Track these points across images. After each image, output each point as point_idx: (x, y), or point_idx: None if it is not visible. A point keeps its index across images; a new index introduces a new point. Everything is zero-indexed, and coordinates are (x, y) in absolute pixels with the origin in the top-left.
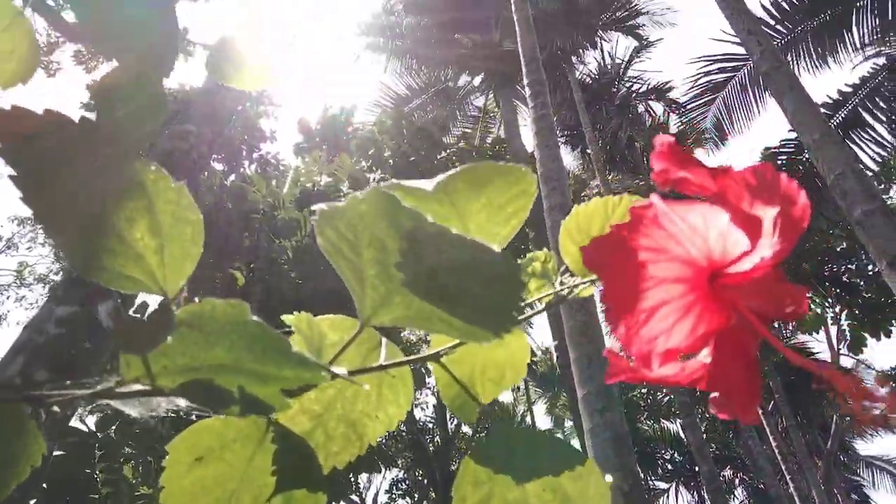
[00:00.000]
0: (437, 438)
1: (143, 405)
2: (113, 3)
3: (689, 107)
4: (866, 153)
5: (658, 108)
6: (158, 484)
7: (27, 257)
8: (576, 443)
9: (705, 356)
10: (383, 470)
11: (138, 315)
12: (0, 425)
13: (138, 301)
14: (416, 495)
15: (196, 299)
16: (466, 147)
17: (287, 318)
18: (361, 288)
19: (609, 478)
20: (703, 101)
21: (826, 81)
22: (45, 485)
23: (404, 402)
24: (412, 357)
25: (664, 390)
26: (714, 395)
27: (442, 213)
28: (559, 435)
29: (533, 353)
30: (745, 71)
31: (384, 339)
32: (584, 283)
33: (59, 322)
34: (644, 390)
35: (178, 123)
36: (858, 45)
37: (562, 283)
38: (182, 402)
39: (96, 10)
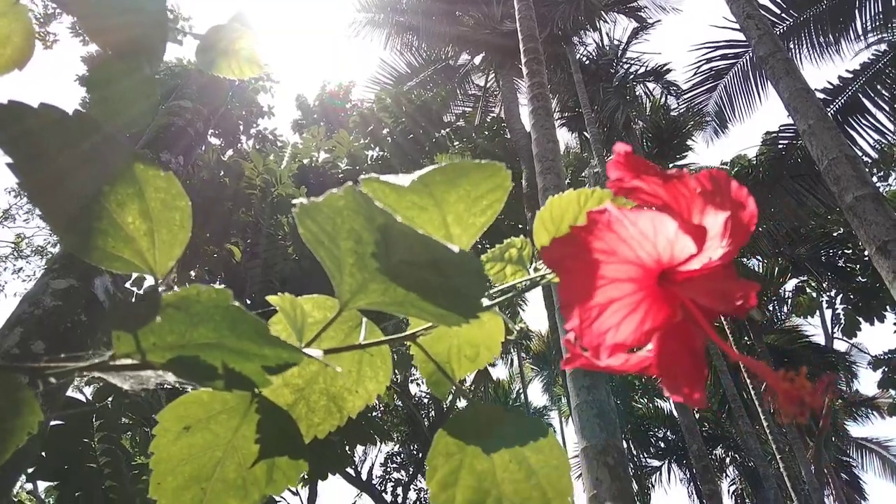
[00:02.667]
0: (431, 413)
1: (134, 379)
2: None
3: (690, 94)
4: (865, 140)
5: (656, 89)
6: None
7: (24, 229)
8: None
9: (651, 348)
10: (379, 443)
11: (134, 287)
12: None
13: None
14: (412, 469)
15: (193, 273)
16: (466, 125)
17: (271, 299)
18: (340, 275)
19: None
20: (704, 87)
21: (829, 72)
22: (43, 453)
23: (383, 378)
24: (389, 337)
25: None
26: (664, 380)
27: (420, 203)
28: (554, 412)
29: (528, 334)
30: (747, 58)
31: (364, 320)
32: None
33: (55, 295)
34: None
35: (175, 99)
36: (861, 33)
37: (535, 270)
38: (171, 377)
39: None
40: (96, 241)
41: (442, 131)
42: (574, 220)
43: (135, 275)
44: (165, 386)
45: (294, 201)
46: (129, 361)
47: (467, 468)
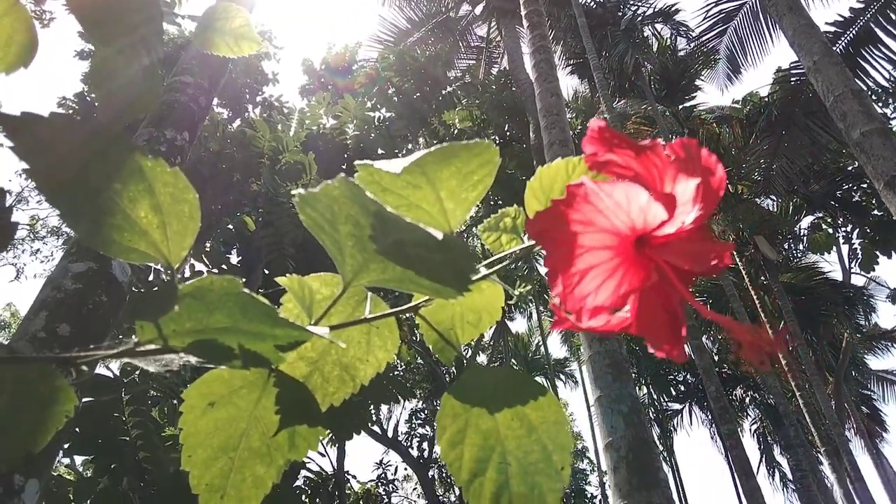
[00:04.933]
0: (452, 369)
1: (159, 362)
2: None
3: (701, 39)
4: (879, 72)
5: (665, 31)
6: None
7: (38, 210)
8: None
9: (629, 309)
10: (403, 401)
11: (150, 276)
12: (36, 384)
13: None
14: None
15: (207, 245)
16: (471, 81)
17: (280, 280)
18: (342, 257)
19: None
20: (714, 32)
21: (842, 9)
22: (77, 429)
23: (391, 346)
24: (394, 310)
25: None
26: (645, 337)
27: (414, 182)
28: (574, 363)
29: (547, 288)
30: None
31: (370, 294)
32: None
33: (75, 278)
34: None
35: (177, 74)
36: None
37: (529, 238)
38: (192, 359)
39: None
40: (112, 236)
41: (448, 88)
42: (562, 188)
43: None
44: (189, 366)
45: (293, 192)
46: (152, 347)
47: (473, 427)
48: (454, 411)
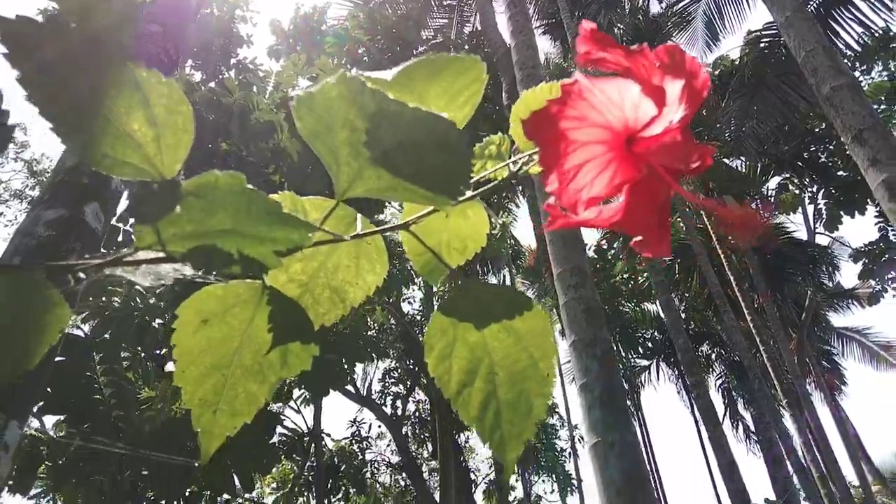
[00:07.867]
0: (424, 329)
1: (154, 275)
2: None
3: (679, 5)
4: (849, 33)
5: None
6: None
7: (1, 173)
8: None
9: (621, 201)
10: (376, 361)
11: (121, 224)
12: (28, 296)
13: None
14: (409, 382)
15: None
16: (443, 42)
17: (273, 197)
18: (337, 166)
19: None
20: None
21: None
22: (49, 389)
23: (380, 270)
24: (385, 227)
25: (644, 275)
26: (636, 238)
27: (404, 98)
28: None
29: (519, 251)
30: None
31: (359, 216)
32: (532, 157)
33: (47, 225)
34: (626, 275)
35: (142, 22)
36: None
37: (514, 164)
38: (188, 270)
39: None
40: (105, 149)
41: (419, 48)
42: None
43: (120, 211)
44: (183, 278)
45: (291, 93)
46: (150, 255)
47: (461, 341)
48: (442, 327)
